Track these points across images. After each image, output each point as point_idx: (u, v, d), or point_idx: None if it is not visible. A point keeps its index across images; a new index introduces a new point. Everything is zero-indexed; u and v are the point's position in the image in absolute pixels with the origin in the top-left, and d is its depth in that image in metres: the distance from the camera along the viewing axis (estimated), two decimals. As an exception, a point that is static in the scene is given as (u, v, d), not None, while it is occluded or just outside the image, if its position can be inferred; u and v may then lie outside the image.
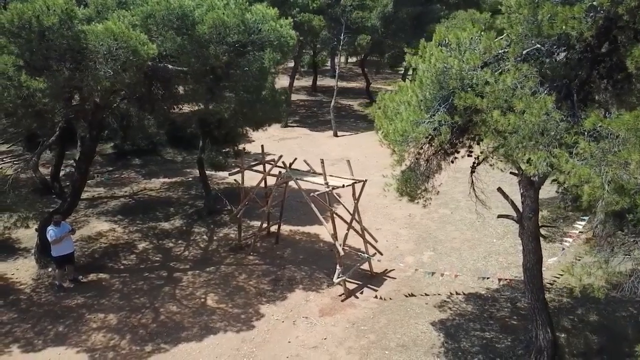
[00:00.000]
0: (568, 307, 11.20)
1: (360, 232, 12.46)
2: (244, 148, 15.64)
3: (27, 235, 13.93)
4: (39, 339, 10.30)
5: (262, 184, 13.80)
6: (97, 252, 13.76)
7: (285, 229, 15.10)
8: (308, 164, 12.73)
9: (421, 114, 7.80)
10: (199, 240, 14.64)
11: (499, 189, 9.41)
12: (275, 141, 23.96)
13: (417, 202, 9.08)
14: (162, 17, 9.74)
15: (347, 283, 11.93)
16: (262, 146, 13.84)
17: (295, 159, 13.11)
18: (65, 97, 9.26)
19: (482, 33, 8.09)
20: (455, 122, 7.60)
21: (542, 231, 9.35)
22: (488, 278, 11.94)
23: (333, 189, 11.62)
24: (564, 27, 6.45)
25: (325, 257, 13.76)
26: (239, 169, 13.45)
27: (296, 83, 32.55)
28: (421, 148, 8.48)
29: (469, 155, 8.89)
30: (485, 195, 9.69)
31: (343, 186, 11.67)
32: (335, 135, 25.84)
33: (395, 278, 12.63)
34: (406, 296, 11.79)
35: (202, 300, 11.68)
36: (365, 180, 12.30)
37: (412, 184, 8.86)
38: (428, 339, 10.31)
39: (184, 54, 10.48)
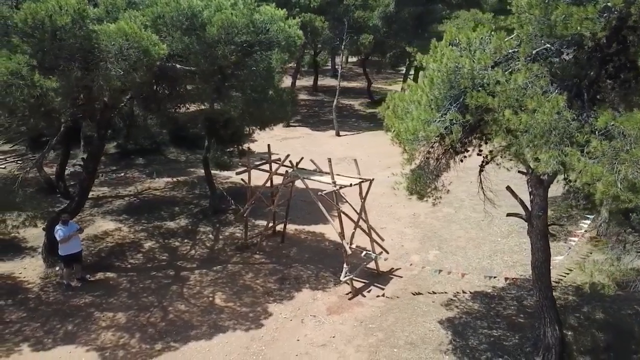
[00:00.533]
0: (574, 305, 11.28)
1: (367, 231, 12.51)
2: (249, 148, 15.70)
3: (33, 235, 13.96)
4: (49, 338, 10.34)
5: (269, 183, 13.84)
6: (104, 251, 13.80)
7: (291, 228, 15.16)
8: (315, 163, 12.79)
9: (432, 113, 7.85)
10: (204, 239, 14.69)
11: (508, 188, 9.48)
12: (278, 141, 24.00)
13: (427, 201, 9.13)
14: (172, 17, 9.77)
15: (353, 282, 12.00)
16: (268, 145, 13.90)
17: (302, 158, 13.17)
18: (75, 97, 9.25)
19: (493, 33, 8.17)
20: (467, 121, 7.67)
21: (550, 230, 9.41)
22: (495, 277, 12.02)
23: (340, 187, 11.66)
24: (578, 27, 6.51)
25: (331, 256, 13.83)
26: (245, 168, 13.48)
27: (297, 83, 32.59)
28: (431, 147, 8.55)
29: (478, 154, 8.97)
30: (494, 193, 9.74)
31: (350, 185, 11.72)
32: (338, 134, 25.91)
33: (401, 277, 12.69)
34: (413, 294, 11.86)
35: (210, 299, 11.73)
36: (372, 179, 12.36)
37: (422, 183, 8.93)
38: (436, 336, 10.37)
39: (193, 54, 10.51)
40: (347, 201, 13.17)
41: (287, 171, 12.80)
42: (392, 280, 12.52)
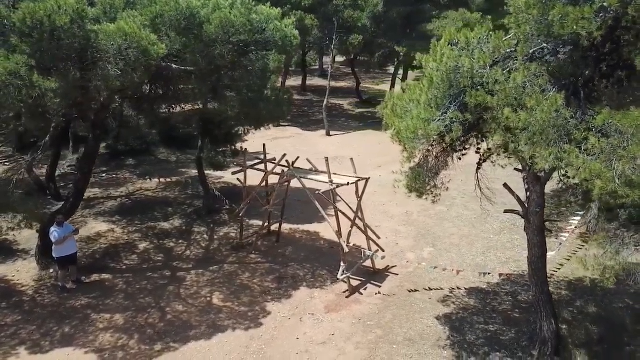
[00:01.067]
0: (567, 300, 11.51)
1: (363, 229, 12.61)
2: (244, 148, 15.70)
3: (24, 237, 13.79)
4: (46, 341, 10.25)
5: (267, 182, 13.88)
6: (98, 252, 13.69)
7: (285, 227, 15.19)
8: (311, 163, 12.86)
9: (432, 111, 7.97)
10: (199, 239, 14.66)
11: (505, 185, 9.65)
12: (269, 140, 23.79)
13: (426, 198, 9.24)
14: (171, 17, 9.76)
15: (350, 280, 12.08)
16: (264, 145, 13.94)
17: (298, 157, 13.21)
18: (73, 97, 9.20)
19: (491, 33, 8.33)
20: (466, 120, 7.81)
21: (546, 226, 9.60)
22: (489, 274, 12.21)
23: (337, 186, 11.74)
24: (575, 27, 6.67)
25: (327, 254, 13.91)
26: (241, 168, 13.49)
27: (286, 83, 32.63)
28: (431, 145, 8.67)
29: (476, 153, 9.12)
30: (491, 191, 9.89)
31: (348, 184, 11.82)
32: (328, 134, 26.00)
33: (397, 274, 12.82)
34: (410, 291, 11.99)
35: (208, 299, 11.72)
36: (369, 178, 12.47)
37: (421, 181, 9.04)
38: (434, 332, 10.51)
39: (191, 53, 10.51)
40: (342, 200, 13.27)
41: (283, 171, 12.83)
42: (388, 278, 12.64)
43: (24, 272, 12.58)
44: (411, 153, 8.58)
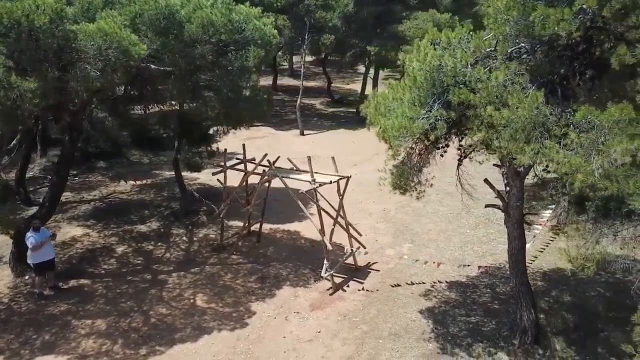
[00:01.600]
0: (543, 290, 11.93)
1: (345, 227, 12.74)
2: (225, 148, 15.63)
3: (-5, 244, 13.39)
4: (25, 349, 9.99)
5: (247, 183, 13.85)
6: (74, 257, 13.39)
7: (265, 227, 15.17)
8: (292, 162, 12.92)
9: (417, 110, 8.15)
10: (179, 241, 14.50)
11: (486, 180, 9.93)
12: (243, 141, 23.80)
13: (411, 195, 9.42)
14: (150, 16, 9.64)
15: (334, 277, 12.19)
16: (243, 145, 13.93)
17: (279, 157, 13.23)
18: (52, 98, 8.99)
19: (471, 33, 8.58)
20: (450, 117, 8.03)
21: (526, 219, 9.94)
22: (469, 266, 12.54)
23: (320, 185, 11.83)
24: (556, 28, 6.96)
25: (308, 253, 13.99)
26: (221, 168, 13.43)
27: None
28: (415, 143, 8.86)
29: (458, 149, 9.37)
30: (472, 187, 10.15)
31: (330, 182, 11.92)
32: (302, 134, 26.06)
33: (378, 270, 13.01)
34: (392, 286, 12.19)
35: (191, 301, 11.63)
36: (350, 177, 12.62)
37: (405, 178, 9.22)
38: (418, 326, 10.73)
39: (170, 54, 10.40)
40: (324, 198, 13.34)
41: (264, 170, 12.83)
42: (370, 274, 12.82)
43: (-3, 280, 12.21)
44: (396, 151, 8.77)
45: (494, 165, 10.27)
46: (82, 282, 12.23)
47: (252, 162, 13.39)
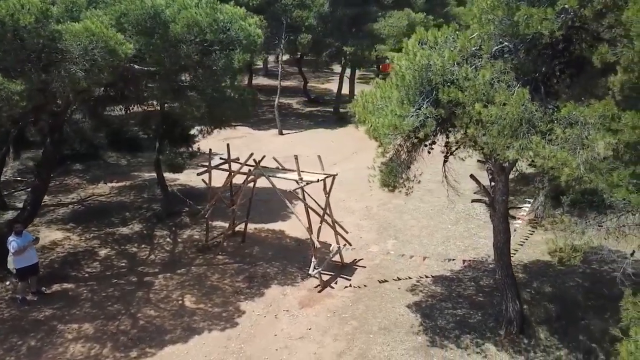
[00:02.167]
0: (524, 282, 12.29)
1: (332, 225, 12.86)
2: (203, 149, 15.59)
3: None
4: (11, 356, 9.78)
5: (231, 183, 13.84)
6: (56, 261, 13.13)
7: (250, 227, 15.13)
8: (277, 161, 12.97)
9: (406, 108, 8.32)
10: (162, 243, 14.38)
11: (472, 176, 10.20)
12: (220, 141, 23.65)
13: (400, 191, 9.59)
14: (136, 16, 9.56)
15: (321, 274, 12.30)
16: (227, 145, 13.90)
17: (264, 156, 13.25)
18: (37, 100, 8.83)
19: (457, 33, 8.80)
20: (439, 115, 8.23)
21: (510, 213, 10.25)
22: (453, 260, 12.82)
23: (307, 184, 11.92)
24: (539, 27, 7.22)
25: (294, 251, 14.06)
26: (206, 168, 13.37)
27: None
28: (404, 140, 9.03)
29: (445, 146, 9.60)
30: (457, 182, 10.39)
31: (318, 180, 12.02)
32: (281, 133, 26.09)
33: (365, 267, 13.18)
34: (379, 282, 12.37)
35: (180, 302, 11.57)
36: (336, 174, 12.75)
37: (394, 175, 9.39)
38: (406, 320, 10.94)
39: (155, 53, 10.33)
40: (310, 196, 13.44)
41: (250, 170, 12.84)
42: (357, 271, 12.98)
43: (-24, 286, 11.88)
44: (386, 148, 8.95)
45: (478, 161, 10.59)
46: (65, 287, 12.01)
47: (236, 162, 13.37)
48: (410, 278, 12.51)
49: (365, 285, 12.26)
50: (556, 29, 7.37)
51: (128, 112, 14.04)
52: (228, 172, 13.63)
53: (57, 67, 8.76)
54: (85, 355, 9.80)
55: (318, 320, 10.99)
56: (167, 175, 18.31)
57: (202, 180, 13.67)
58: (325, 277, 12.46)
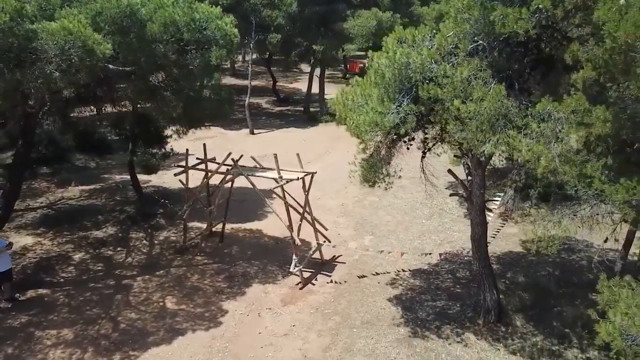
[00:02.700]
0: (499, 272, 12.69)
1: (311, 222, 12.98)
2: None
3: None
4: (-13, 365, 9.51)
5: (208, 183, 13.77)
6: (29, 267, 12.77)
7: (227, 227, 15.10)
8: (255, 160, 13.00)
9: (387, 105, 8.51)
10: (139, 245, 14.17)
11: (450, 171, 10.49)
12: (191, 141, 23.46)
13: (380, 187, 9.79)
14: (112, 15, 9.43)
15: (302, 272, 12.40)
16: (204, 145, 13.83)
17: (242, 155, 13.25)
18: (13, 100, 8.62)
19: (434, 32, 9.05)
20: (419, 112, 8.46)
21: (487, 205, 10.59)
22: (430, 254, 13.14)
23: (287, 182, 12.00)
24: (514, 26, 7.52)
25: (273, 250, 14.10)
26: (183, 169, 13.27)
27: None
28: (384, 137, 9.22)
29: (424, 142, 9.85)
30: (435, 177, 10.65)
31: (298, 179, 12.11)
32: (252, 133, 26.02)
33: (344, 263, 13.36)
34: (359, 277, 12.57)
35: (161, 303, 11.46)
36: (315, 172, 12.87)
37: (374, 170, 9.58)
38: (388, 313, 11.16)
39: (131, 53, 10.21)
40: (288, 194, 13.51)
41: (228, 169, 12.82)
42: (336, 267, 13.14)
43: (-55, 295, 11.45)
44: (368, 144, 9.13)
45: (455, 156, 10.89)
46: (41, 292, 11.71)
47: (213, 162, 13.32)
48: (388, 272, 12.76)
49: (345, 281, 12.43)
50: (530, 28, 7.70)
51: (100, 113, 13.74)
52: (205, 172, 13.57)
53: (31, 67, 8.57)
54: (67, 361, 9.62)
55: (301, 316, 11.09)
56: (139, 176, 18.07)
57: (180, 180, 13.55)
58: (306, 274, 12.57)
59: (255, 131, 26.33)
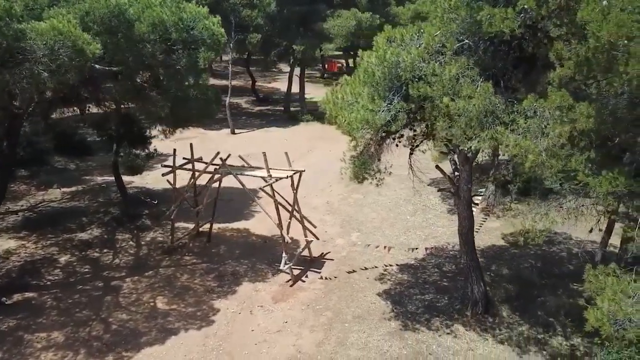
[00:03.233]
0: (483, 265, 12.93)
1: (300, 220, 13.10)
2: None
3: None
4: (-23, 370, 9.37)
5: (195, 183, 13.76)
6: (13, 271, 12.58)
7: (213, 227, 15.09)
8: (243, 159, 13.06)
9: (378, 103, 8.70)
10: (126, 246, 14.08)
11: (437, 167, 10.74)
12: (173, 142, 23.31)
13: (371, 183, 9.98)
14: (100, 15, 9.39)
15: (292, 269, 12.51)
16: (190, 144, 13.81)
17: (229, 155, 13.30)
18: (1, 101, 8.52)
19: (421, 31, 9.27)
20: (410, 109, 8.68)
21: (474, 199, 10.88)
22: (417, 249, 13.40)
23: (276, 180, 12.10)
24: (501, 25, 7.79)
25: (260, 249, 14.18)
26: (170, 169, 13.24)
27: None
28: (375, 134, 9.41)
29: (413, 139, 10.07)
30: (424, 172, 10.88)
31: (287, 177, 12.22)
32: (233, 132, 25.98)
33: (333, 259, 13.53)
34: (348, 273, 12.75)
35: (152, 304, 11.44)
36: (303, 171, 13.00)
37: (365, 167, 9.76)
38: (378, 308, 11.37)
39: (119, 53, 10.18)
40: (277, 192, 13.61)
41: (216, 169, 12.84)
42: (325, 264, 13.30)
43: None
44: (359, 142, 9.31)
45: (441, 153, 11.17)
46: (27, 296, 11.56)
47: (201, 162, 13.33)
48: (376, 267, 12.97)
49: (335, 277, 12.60)
50: (516, 28, 7.98)
51: (83, 113, 13.60)
52: (192, 172, 13.56)
53: (19, 67, 8.48)
54: (59, 364, 9.55)
55: (293, 313, 11.21)
56: (123, 178, 17.90)
57: (167, 180, 13.50)
58: (295, 272, 12.69)
59: (237, 131, 26.29)
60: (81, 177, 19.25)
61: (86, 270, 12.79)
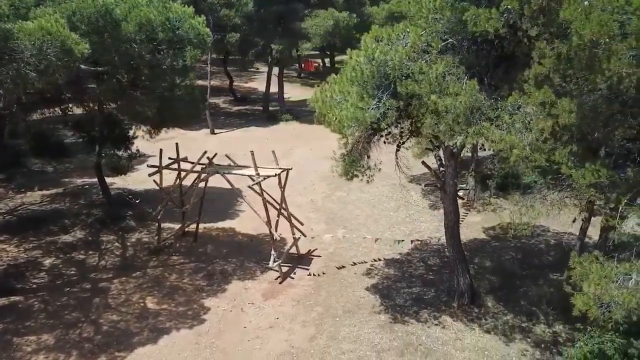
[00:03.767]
0: (467, 258, 13.21)
1: (287, 217, 13.24)
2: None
3: None
4: (-35, 376, 9.24)
5: (181, 183, 13.76)
6: (-4, 275, 12.39)
7: (199, 226, 15.11)
8: (230, 158, 13.12)
9: (367, 101, 8.91)
10: (111, 247, 13.98)
11: (424, 162, 10.98)
12: (152, 143, 23.11)
13: (361, 180, 10.18)
14: (87, 14, 9.35)
15: (281, 266, 12.64)
16: (176, 144, 13.81)
17: (216, 154, 13.35)
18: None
19: (408, 30, 9.52)
20: (399, 107, 8.91)
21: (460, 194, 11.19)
22: (403, 241, 13.64)
23: (264, 178, 12.21)
24: (486, 25, 8.09)
25: (248, 247, 14.26)
26: (157, 169, 13.20)
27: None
28: (363, 131, 9.61)
29: (400, 136, 10.32)
30: (409, 168, 11.14)
31: (275, 175, 12.34)
32: (213, 132, 25.90)
33: (320, 256, 13.71)
34: (337, 268, 12.95)
35: (142, 304, 11.43)
36: (290, 169, 13.14)
37: (355, 164, 9.96)
38: (367, 302, 11.60)
39: (106, 52, 10.15)
40: (265, 190, 13.71)
41: (202, 168, 12.87)
42: (313, 260, 13.47)
43: None
44: (349, 139, 9.51)
45: (426, 149, 11.42)
46: (13, 300, 11.41)
47: (187, 162, 13.34)
48: (364, 262, 13.21)
49: (323, 273, 12.79)
50: (500, 27, 8.29)
51: (65, 114, 13.44)
52: (178, 172, 13.55)
53: (6, 67, 8.40)
54: (50, 366, 9.48)
55: (284, 309, 11.35)
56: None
57: (154, 181, 13.45)
58: (284, 269, 12.82)
59: (216, 131, 26.21)
60: (60, 180, 18.92)
61: (72, 272, 12.66)
